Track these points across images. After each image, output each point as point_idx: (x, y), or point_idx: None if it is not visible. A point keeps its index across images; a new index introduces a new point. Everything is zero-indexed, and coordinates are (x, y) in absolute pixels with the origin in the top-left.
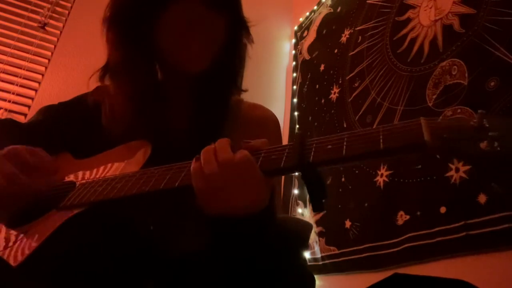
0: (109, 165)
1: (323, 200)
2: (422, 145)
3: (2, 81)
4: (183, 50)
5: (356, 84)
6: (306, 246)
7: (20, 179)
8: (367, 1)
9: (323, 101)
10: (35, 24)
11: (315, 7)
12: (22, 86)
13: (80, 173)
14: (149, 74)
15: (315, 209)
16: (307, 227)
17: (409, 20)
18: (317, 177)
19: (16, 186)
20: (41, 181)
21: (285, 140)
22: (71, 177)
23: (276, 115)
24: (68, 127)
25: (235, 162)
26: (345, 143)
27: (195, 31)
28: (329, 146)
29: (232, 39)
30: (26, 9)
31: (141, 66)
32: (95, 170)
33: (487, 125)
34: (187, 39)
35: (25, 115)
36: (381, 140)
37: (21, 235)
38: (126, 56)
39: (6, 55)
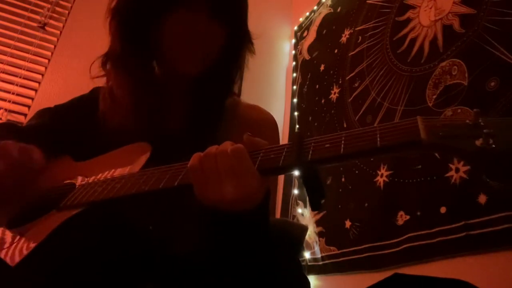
0: (112, 170)
1: (321, 199)
2: (418, 142)
3: (2, 81)
4: (181, 52)
5: (356, 84)
6: (300, 248)
7: None
8: (367, 1)
9: (323, 101)
10: (35, 24)
11: (315, 7)
12: (22, 86)
13: (80, 178)
14: (146, 69)
15: (313, 208)
16: (301, 229)
17: (409, 20)
18: (315, 175)
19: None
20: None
21: (285, 140)
22: (72, 181)
23: (276, 115)
24: (66, 130)
25: (228, 153)
26: (343, 142)
27: (196, 37)
28: (327, 145)
29: (233, 49)
30: (26, 9)
31: (138, 60)
32: (99, 175)
33: (482, 123)
34: (186, 43)
35: (25, 115)
36: (378, 138)
37: (21, 235)
38: (125, 48)
39: (6, 55)
